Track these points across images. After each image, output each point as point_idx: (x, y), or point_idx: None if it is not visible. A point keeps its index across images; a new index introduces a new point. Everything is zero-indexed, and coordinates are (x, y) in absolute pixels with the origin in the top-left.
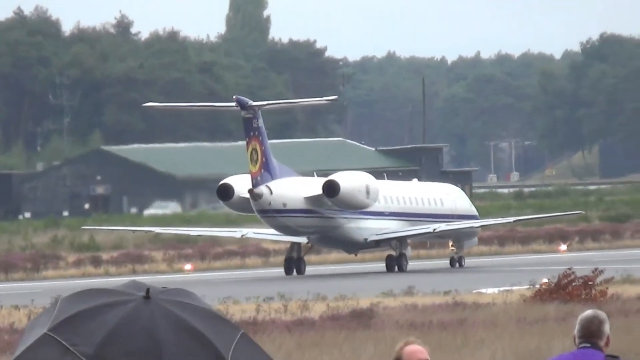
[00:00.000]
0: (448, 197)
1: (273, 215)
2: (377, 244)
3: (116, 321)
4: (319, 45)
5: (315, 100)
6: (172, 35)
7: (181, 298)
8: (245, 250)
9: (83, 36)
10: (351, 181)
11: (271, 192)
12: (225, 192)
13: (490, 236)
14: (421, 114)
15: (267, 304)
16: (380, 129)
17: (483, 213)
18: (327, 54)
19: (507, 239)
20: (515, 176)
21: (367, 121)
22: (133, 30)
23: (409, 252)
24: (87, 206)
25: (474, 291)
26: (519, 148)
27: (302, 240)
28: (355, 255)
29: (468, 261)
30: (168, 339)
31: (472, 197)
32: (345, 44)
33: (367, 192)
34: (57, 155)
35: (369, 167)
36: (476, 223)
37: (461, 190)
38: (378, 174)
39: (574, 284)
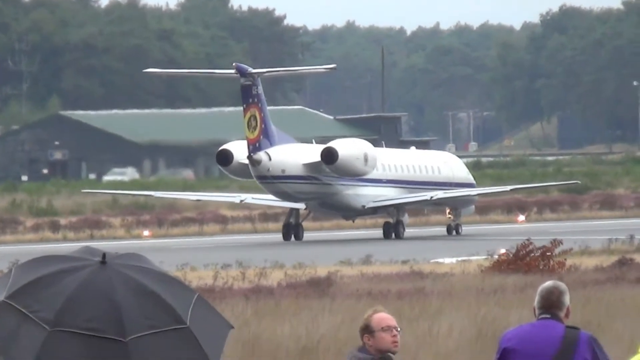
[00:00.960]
0: (445, 165)
1: (272, 181)
2: (375, 210)
3: (74, 287)
4: (278, 13)
5: (313, 69)
6: (132, 3)
7: (136, 262)
8: (203, 217)
9: (43, 2)
10: (349, 148)
11: (270, 159)
12: (225, 158)
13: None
14: (380, 83)
15: (225, 271)
16: (339, 98)
17: None
18: (287, 22)
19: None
20: (473, 146)
21: (326, 90)
22: None
23: (406, 219)
24: (45, 171)
25: (432, 261)
26: (478, 118)
27: (300, 206)
28: (353, 221)
29: (425, 230)
30: (127, 303)
31: None
32: (304, 12)
33: (365, 160)
34: (16, 120)
35: (328, 135)
36: (473, 191)
37: (458, 159)
38: None
39: (532, 254)
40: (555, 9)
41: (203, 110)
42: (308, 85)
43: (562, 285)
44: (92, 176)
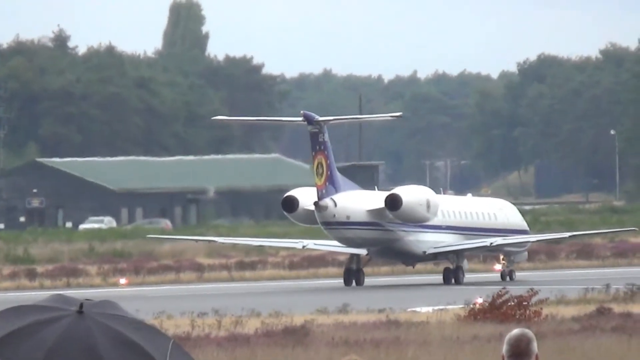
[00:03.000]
0: (501, 211)
1: (337, 227)
2: (435, 257)
3: (54, 338)
4: (256, 61)
5: (380, 117)
6: (110, 50)
7: (112, 310)
8: (180, 265)
9: (21, 49)
10: (413, 195)
11: (335, 205)
12: (290, 204)
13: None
14: (357, 132)
15: (201, 319)
16: None
17: None
18: (264, 70)
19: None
20: (450, 194)
21: (304, 138)
22: (71, 44)
23: (465, 265)
24: (22, 219)
25: (409, 309)
26: (455, 167)
27: (362, 252)
28: (413, 267)
29: (403, 279)
30: (108, 354)
31: None
32: (282, 61)
33: (428, 206)
34: None
35: (304, 183)
36: (532, 237)
37: (513, 206)
38: None
39: (508, 304)
40: (532, 57)
41: (181, 158)
42: (285, 133)
43: (530, 333)
44: (69, 224)
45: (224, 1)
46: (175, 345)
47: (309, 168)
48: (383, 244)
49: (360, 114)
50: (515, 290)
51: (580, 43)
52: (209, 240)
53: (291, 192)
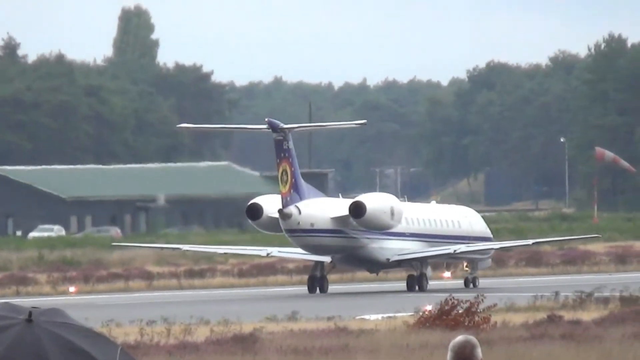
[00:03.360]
0: (465, 219)
1: (301, 234)
2: (399, 264)
3: (4, 347)
4: (205, 69)
5: (345, 124)
6: (60, 58)
7: (61, 319)
8: (129, 273)
9: None
10: (377, 202)
11: (300, 212)
12: (255, 212)
13: None
14: (307, 139)
15: (150, 327)
16: (266, 154)
17: None
18: (214, 78)
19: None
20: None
21: (253, 146)
22: (20, 52)
23: (429, 272)
24: None
25: (358, 317)
26: (405, 174)
27: (326, 259)
28: (377, 274)
29: (350, 287)
30: None
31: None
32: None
33: (392, 214)
34: None
35: (255, 192)
36: (495, 245)
37: (477, 213)
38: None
39: (456, 311)
40: (482, 65)
41: (131, 165)
42: (235, 141)
43: (474, 339)
44: (19, 233)
45: (173, 9)
46: (123, 353)
47: (258, 176)
48: (347, 251)
49: (310, 121)
50: (463, 297)
51: (529, 50)
52: (174, 248)
53: (255, 200)
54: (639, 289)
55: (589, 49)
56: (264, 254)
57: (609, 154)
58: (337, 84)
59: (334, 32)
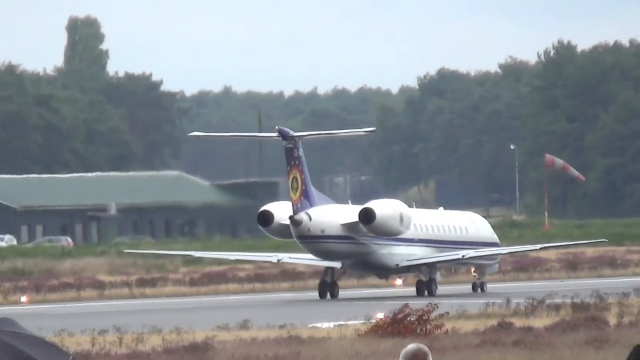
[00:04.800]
0: (472, 224)
1: (311, 240)
2: (408, 269)
3: None
4: (155, 79)
5: (355, 131)
6: (10, 68)
7: (11, 328)
8: (80, 283)
9: None
10: (386, 209)
11: (310, 219)
12: (265, 219)
13: None
14: (258, 148)
15: (102, 336)
16: (217, 163)
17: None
18: (164, 87)
19: (343, 273)
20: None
21: (204, 155)
22: None
23: (438, 277)
24: None
25: (310, 325)
26: (355, 183)
27: (336, 265)
28: (386, 280)
29: (304, 295)
30: None
31: None
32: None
33: (401, 220)
34: None
35: (205, 200)
36: (503, 250)
37: (484, 219)
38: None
39: (409, 318)
40: (432, 72)
41: (82, 175)
42: (186, 151)
43: (425, 348)
44: None
45: (123, 19)
46: None
47: (209, 185)
48: (357, 257)
49: (260, 130)
50: (415, 305)
51: (479, 58)
52: (185, 255)
53: (266, 207)
54: (590, 295)
55: (539, 56)
56: (274, 260)
57: (558, 162)
58: (288, 92)
59: (283, 40)
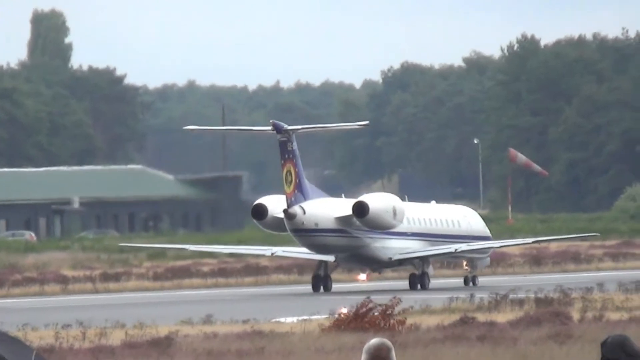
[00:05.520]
0: (464, 218)
1: (305, 234)
2: (401, 263)
3: None
4: (119, 72)
5: (348, 125)
6: None
7: None
8: (44, 277)
9: None
10: (380, 202)
11: (304, 212)
12: (260, 212)
13: (290, 264)
14: (221, 142)
15: (66, 331)
16: (181, 157)
17: (283, 241)
18: (127, 81)
19: (306, 268)
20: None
21: (168, 149)
22: None
23: (431, 270)
24: None
25: (273, 320)
26: (319, 177)
27: (330, 258)
28: (379, 273)
29: (265, 290)
30: None
31: None
32: (145, 72)
33: (394, 213)
34: None
35: (169, 195)
36: (495, 243)
37: (476, 213)
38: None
39: (372, 313)
40: (396, 65)
41: (45, 169)
42: (149, 145)
43: (388, 342)
44: None
45: (87, 12)
46: (38, 357)
47: (173, 179)
48: (350, 250)
49: (223, 124)
50: (379, 299)
51: (443, 51)
52: (180, 248)
53: (260, 200)
54: (554, 290)
55: (502, 50)
56: (268, 253)
57: (521, 157)
58: (251, 86)
59: (247, 34)
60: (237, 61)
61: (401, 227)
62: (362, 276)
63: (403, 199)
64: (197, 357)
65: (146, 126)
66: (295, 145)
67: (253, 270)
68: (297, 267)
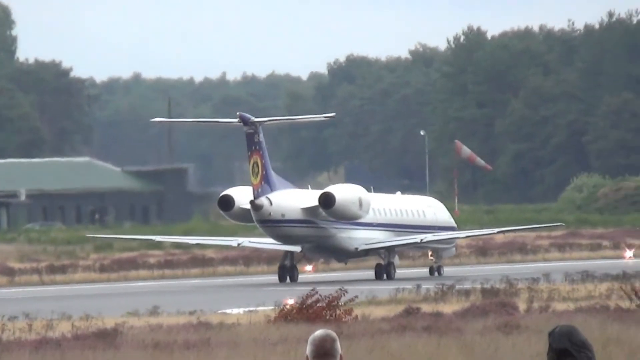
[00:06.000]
0: (429, 209)
1: (272, 225)
2: (367, 253)
3: None
4: (65, 65)
5: (314, 117)
6: None
7: None
8: None
9: None
10: (346, 193)
11: (271, 203)
12: (226, 203)
13: (236, 256)
14: (167, 135)
15: (12, 323)
16: (127, 149)
17: (231, 231)
18: (73, 74)
19: (252, 259)
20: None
21: (114, 142)
22: None
23: (396, 261)
24: None
25: (219, 311)
26: None
27: (296, 249)
28: (345, 263)
29: (211, 281)
30: None
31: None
32: (91, 64)
33: (360, 204)
34: None
35: (116, 187)
36: (461, 234)
37: (440, 203)
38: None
39: (318, 304)
40: (342, 58)
41: None
42: (96, 137)
43: (333, 333)
44: None
45: (33, 5)
46: None
47: (120, 171)
48: (317, 241)
49: (169, 117)
50: (325, 290)
51: (389, 43)
52: (148, 239)
53: (227, 191)
54: (500, 281)
55: (449, 42)
56: (234, 244)
57: (465, 150)
58: (197, 79)
59: (193, 26)
60: (183, 54)
61: (367, 218)
62: (309, 267)
63: (369, 190)
64: (143, 348)
65: (93, 119)
66: (262, 137)
67: (199, 262)
68: (242, 259)
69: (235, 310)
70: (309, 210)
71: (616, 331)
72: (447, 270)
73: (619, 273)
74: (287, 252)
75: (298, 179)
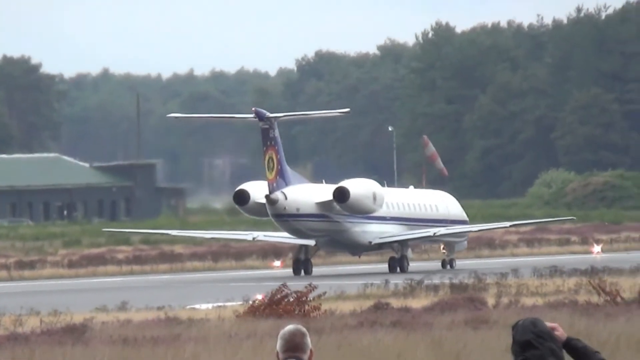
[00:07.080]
0: (442, 203)
1: (287, 219)
2: (380, 246)
3: None
4: (34, 61)
5: (329, 112)
6: None
7: None
8: None
9: None
10: (360, 188)
11: (286, 198)
12: (242, 198)
13: (204, 252)
14: (136, 131)
15: None
16: (96, 145)
17: (197, 227)
18: (42, 70)
19: (220, 255)
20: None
21: (83, 138)
22: None
23: (409, 254)
24: None
25: (188, 307)
26: (234, 165)
27: (310, 242)
28: (359, 257)
29: (180, 277)
30: None
31: (185, 212)
32: (60, 61)
33: (374, 198)
34: None
35: (85, 182)
36: (473, 227)
37: (452, 197)
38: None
39: (287, 299)
40: (310, 54)
41: None
42: (64, 133)
43: (303, 328)
44: None
45: (2, 2)
46: None
47: (88, 167)
48: (331, 234)
49: (138, 113)
50: (294, 286)
51: (358, 39)
52: (162, 234)
53: (242, 186)
54: (469, 276)
55: (417, 38)
56: (250, 238)
57: (430, 148)
58: (166, 75)
59: (161, 22)
60: (151, 49)
61: (381, 212)
62: (277, 263)
63: (382, 185)
64: (112, 344)
65: (61, 115)
66: (277, 133)
67: (168, 257)
68: (211, 254)
69: (203, 306)
70: (323, 205)
71: (584, 326)
72: (416, 265)
73: (587, 268)
74: (301, 246)
75: (264, 177)
